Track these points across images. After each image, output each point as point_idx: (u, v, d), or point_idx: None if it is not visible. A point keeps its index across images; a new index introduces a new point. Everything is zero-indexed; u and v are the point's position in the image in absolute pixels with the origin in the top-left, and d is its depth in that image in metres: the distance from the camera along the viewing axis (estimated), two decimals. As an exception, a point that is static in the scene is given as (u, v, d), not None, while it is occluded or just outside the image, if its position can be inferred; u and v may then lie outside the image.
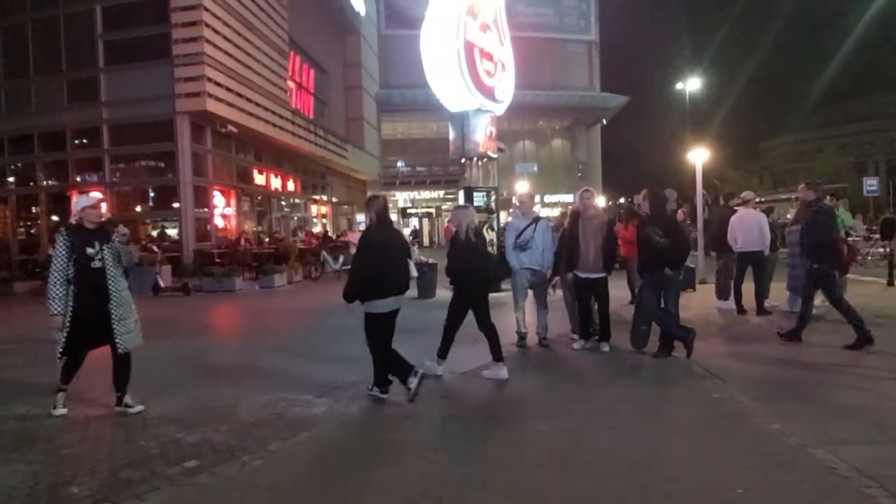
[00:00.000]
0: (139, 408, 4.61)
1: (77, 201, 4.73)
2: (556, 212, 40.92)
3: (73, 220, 4.63)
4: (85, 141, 18.89)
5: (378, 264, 4.66)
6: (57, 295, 4.37)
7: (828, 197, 10.52)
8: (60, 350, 4.45)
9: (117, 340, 4.49)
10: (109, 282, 4.50)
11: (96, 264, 4.46)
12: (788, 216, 13.33)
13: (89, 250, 4.44)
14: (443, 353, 5.58)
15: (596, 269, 6.50)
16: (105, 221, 4.70)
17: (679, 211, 12.33)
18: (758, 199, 9.92)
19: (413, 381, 4.67)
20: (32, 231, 19.95)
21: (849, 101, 54.32)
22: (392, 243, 4.85)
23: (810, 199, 6.68)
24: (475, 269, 5.48)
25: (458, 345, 6.98)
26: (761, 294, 8.51)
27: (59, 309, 4.37)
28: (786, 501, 3.02)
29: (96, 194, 5.04)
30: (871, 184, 22.49)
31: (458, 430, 4.11)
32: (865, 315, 8.20)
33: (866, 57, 50.13)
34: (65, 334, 4.41)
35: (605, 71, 48.12)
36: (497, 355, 5.56)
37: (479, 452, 3.71)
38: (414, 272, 5.23)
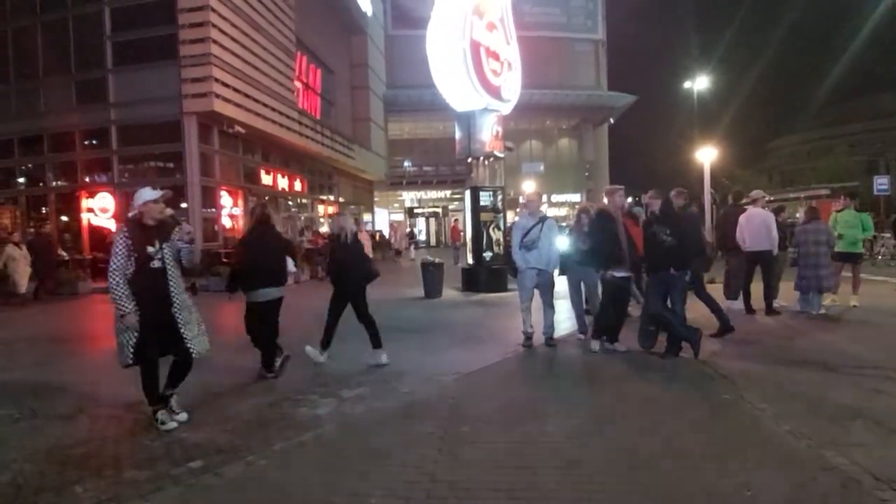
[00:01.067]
0: (183, 416, 4.31)
1: (139, 194, 4.24)
2: (562, 211, 40.91)
3: (131, 215, 4.25)
4: (94, 142, 19.00)
5: (251, 261, 5.54)
6: (124, 293, 3.99)
7: (843, 197, 10.41)
8: (130, 357, 4.06)
9: (189, 346, 4.19)
10: (170, 284, 4.16)
11: (156, 264, 4.11)
12: (797, 215, 13.24)
13: (150, 249, 4.10)
14: (325, 343, 6.17)
15: (627, 269, 6.43)
16: (167, 218, 4.32)
17: (693, 207, 12.26)
18: (768, 199, 9.82)
19: (278, 360, 5.68)
20: (42, 231, 20.05)
21: (859, 100, 53.85)
22: (265, 243, 5.63)
23: (679, 206, 6.60)
24: (353, 268, 6.09)
25: (459, 346, 7.00)
26: (770, 294, 8.44)
27: (130, 307, 4.00)
28: (795, 503, 2.97)
29: (157, 192, 4.26)
30: (881, 182, 22.26)
31: (463, 430, 4.08)
32: (880, 316, 8.16)
33: (876, 55, 49.74)
34: (133, 338, 4.04)
35: (613, 70, 47.95)
36: (376, 343, 6.11)
37: (485, 453, 3.68)
38: (291, 268, 5.96)
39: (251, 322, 5.70)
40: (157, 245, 4.14)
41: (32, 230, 20.31)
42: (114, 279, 4.02)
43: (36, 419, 4.59)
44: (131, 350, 4.04)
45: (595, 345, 6.48)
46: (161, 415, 4.20)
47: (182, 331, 4.16)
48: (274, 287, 5.61)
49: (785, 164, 56.75)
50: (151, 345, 4.10)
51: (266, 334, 5.66)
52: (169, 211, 4.35)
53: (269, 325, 5.65)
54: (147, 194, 4.21)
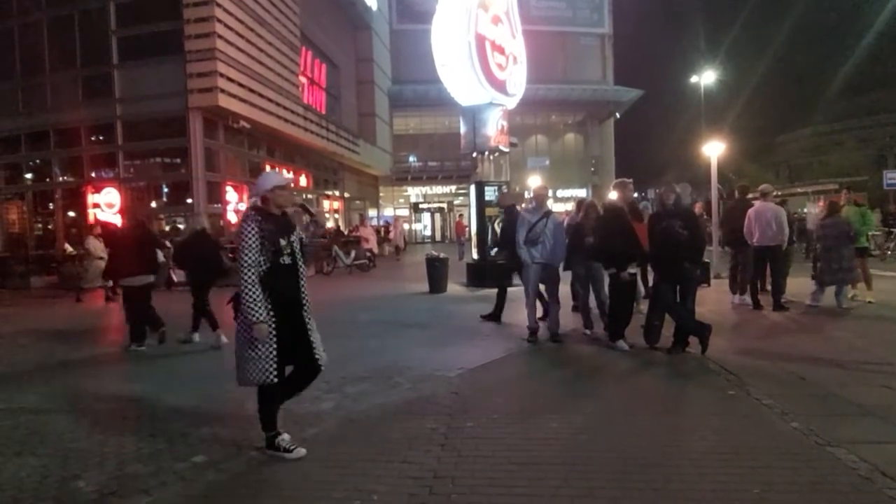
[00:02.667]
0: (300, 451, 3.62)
1: (265, 178, 3.73)
2: (569, 206, 40.70)
3: (255, 201, 3.72)
4: (99, 137, 19.04)
5: (121, 254, 7.03)
6: (258, 296, 3.39)
7: (844, 191, 10.31)
8: (273, 374, 3.44)
9: (317, 355, 3.65)
10: (301, 283, 3.65)
11: (286, 260, 3.54)
12: (805, 210, 13.12)
13: (282, 241, 3.54)
14: (195, 327, 7.23)
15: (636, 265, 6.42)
16: (298, 207, 3.87)
17: (696, 205, 12.18)
18: (775, 193, 9.73)
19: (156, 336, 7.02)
20: (49, 226, 20.18)
21: (869, 94, 53.27)
22: (135, 238, 7.09)
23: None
24: (207, 259, 7.28)
25: (463, 342, 6.98)
26: (778, 289, 8.36)
27: (263, 314, 3.40)
28: (804, 502, 2.93)
29: (284, 176, 3.77)
30: (892, 177, 22.10)
31: (466, 426, 4.05)
32: (891, 311, 8.11)
33: (886, 49, 49.17)
34: (270, 350, 3.45)
35: (619, 64, 47.56)
36: (214, 326, 7.08)
37: (489, 449, 3.66)
38: (161, 258, 7.38)
39: (137, 304, 6.98)
40: (287, 238, 3.60)
41: (40, 225, 20.51)
42: (248, 278, 3.38)
43: (39, 413, 4.60)
44: (273, 364, 3.45)
45: (622, 344, 6.30)
46: (283, 441, 3.60)
47: (312, 338, 3.63)
48: (148, 275, 7.07)
49: (793, 159, 56.28)
50: (282, 357, 3.53)
51: (144, 310, 7.03)
52: (299, 199, 3.99)
53: (143, 303, 7.02)
54: (274, 178, 3.72)
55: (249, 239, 3.42)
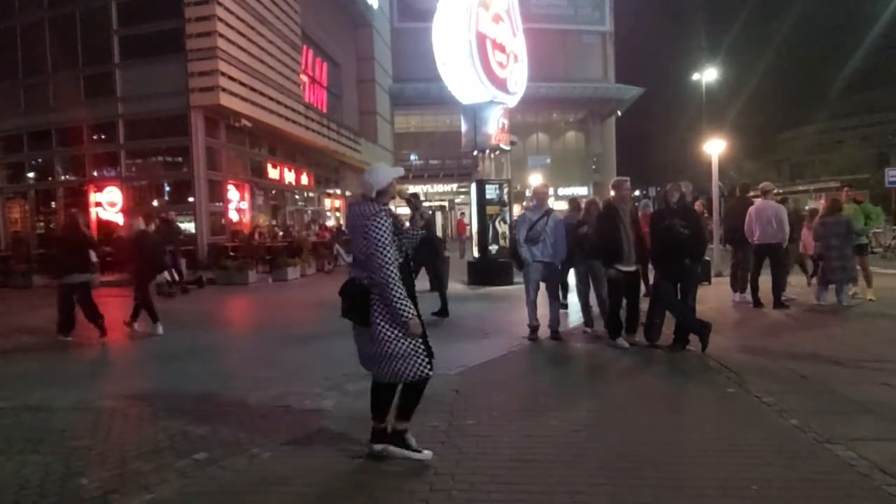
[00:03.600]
0: (426, 454, 3.51)
1: (380, 171, 3.51)
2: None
3: (365, 194, 3.44)
4: (101, 136, 19.06)
5: (63, 254, 7.62)
6: (404, 293, 3.27)
7: (845, 189, 10.29)
8: (428, 367, 3.38)
9: (434, 357, 3.50)
10: (413, 282, 3.53)
11: (400, 256, 3.39)
12: (807, 208, 13.11)
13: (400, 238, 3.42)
14: (154, 318, 7.84)
15: (632, 262, 6.38)
16: (406, 198, 3.71)
17: (697, 202, 12.17)
18: (776, 191, 9.73)
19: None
20: (51, 225, 20.21)
21: (871, 92, 53.16)
22: (76, 242, 7.63)
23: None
24: (148, 256, 8.17)
25: (464, 340, 6.99)
26: (778, 287, 8.37)
27: (414, 310, 3.32)
28: (803, 499, 2.93)
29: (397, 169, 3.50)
30: (893, 175, 22.03)
31: (467, 423, 4.07)
32: (891, 309, 8.10)
33: (889, 46, 49.02)
34: (422, 345, 3.37)
35: (620, 62, 47.50)
36: (154, 318, 7.83)
37: (489, 446, 3.67)
38: (94, 258, 7.63)
39: (78, 298, 7.51)
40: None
41: (42, 224, 20.55)
42: (393, 275, 3.24)
43: (41, 411, 4.62)
44: (426, 358, 3.39)
45: (622, 341, 6.34)
46: (399, 447, 3.49)
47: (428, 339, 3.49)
48: (88, 274, 7.56)
49: (795, 157, 56.19)
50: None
51: (65, 307, 7.57)
52: (406, 191, 3.83)
53: (84, 297, 7.53)
54: (392, 171, 3.52)
55: (386, 234, 3.27)
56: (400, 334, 3.32)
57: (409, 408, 3.57)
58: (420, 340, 3.38)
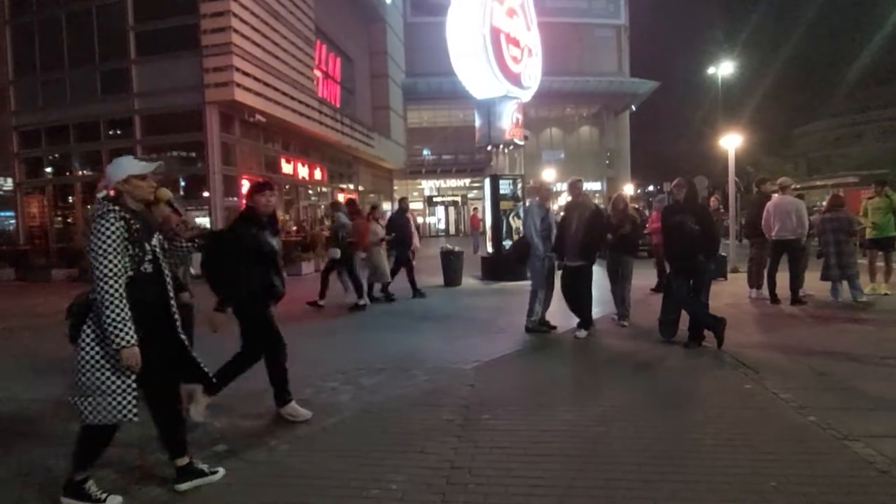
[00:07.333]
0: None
1: (117, 165, 3.04)
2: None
3: (106, 193, 3.09)
4: (118, 131, 19.28)
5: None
6: (127, 315, 2.79)
7: (874, 185, 10.12)
8: (133, 411, 2.89)
9: (207, 370, 3.38)
10: (170, 294, 3.24)
11: (147, 268, 3.04)
12: (823, 203, 12.95)
13: (147, 245, 3.07)
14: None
15: (576, 258, 6.66)
16: (165, 201, 3.38)
17: (712, 198, 12.07)
18: (794, 186, 9.63)
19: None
20: (69, 220, 20.49)
21: (890, 85, 52.24)
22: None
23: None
24: None
25: (478, 335, 7.01)
26: (796, 283, 8.29)
27: (134, 337, 2.80)
28: (821, 496, 2.91)
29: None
30: (913, 170, 21.69)
31: (483, 418, 4.09)
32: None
33: (909, 37, 48.11)
34: (133, 382, 2.90)
35: (635, 56, 47.10)
36: None
37: (505, 440, 3.69)
38: None
39: None
40: (151, 240, 3.17)
41: (60, 219, 20.83)
42: (114, 290, 2.79)
43: (53, 401, 4.69)
44: (134, 399, 2.93)
45: (581, 333, 6.66)
46: (93, 487, 3.02)
47: (192, 353, 3.34)
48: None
49: (812, 151, 55.40)
50: (146, 384, 3.11)
51: None
52: (165, 193, 3.40)
53: None
54: (129, 166, 3.03)
55: (112, 241, 2.77)
56: (113, 366, 2.81)
57: (86, 455, 3.00)
58: (131, 377, 2.84)
